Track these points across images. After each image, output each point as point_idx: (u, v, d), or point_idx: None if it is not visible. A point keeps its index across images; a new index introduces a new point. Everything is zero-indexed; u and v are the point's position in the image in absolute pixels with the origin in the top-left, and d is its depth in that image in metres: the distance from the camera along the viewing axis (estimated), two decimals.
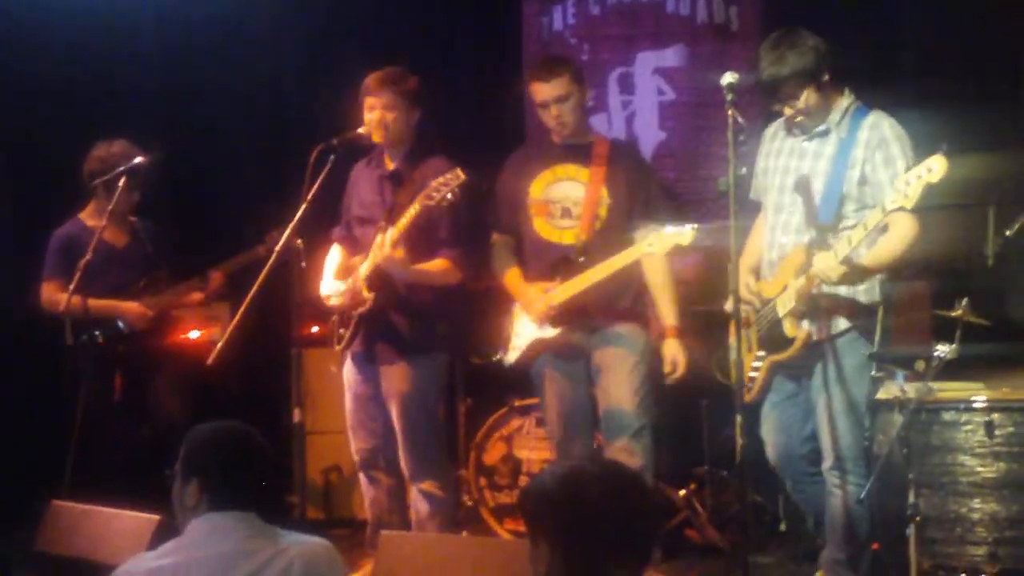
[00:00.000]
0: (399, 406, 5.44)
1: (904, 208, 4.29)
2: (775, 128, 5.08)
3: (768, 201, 5.01)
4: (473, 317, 6.12)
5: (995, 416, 4.78)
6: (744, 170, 4.70)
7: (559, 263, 5.44)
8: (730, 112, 4.54)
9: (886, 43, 7.08)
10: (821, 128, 4.85)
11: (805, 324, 4.79)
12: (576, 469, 2.77)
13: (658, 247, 5.10)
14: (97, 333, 6.15)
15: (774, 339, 4.87)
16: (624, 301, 5.48)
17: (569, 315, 5.40)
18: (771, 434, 5.04)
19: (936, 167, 4.19)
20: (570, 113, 5.46)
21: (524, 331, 5.53)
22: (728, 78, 4.54)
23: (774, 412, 5.03)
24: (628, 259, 5.23)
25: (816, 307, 4.77)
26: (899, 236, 4.61)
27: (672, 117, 7.85)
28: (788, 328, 4.79)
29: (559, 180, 5.55)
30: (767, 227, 5.01)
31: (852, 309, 4.78)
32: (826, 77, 4.73)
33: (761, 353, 4.94)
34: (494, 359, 5.78)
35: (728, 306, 4.68)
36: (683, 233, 5.02)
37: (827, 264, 4.55)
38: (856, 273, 4.63)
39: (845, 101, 4.85)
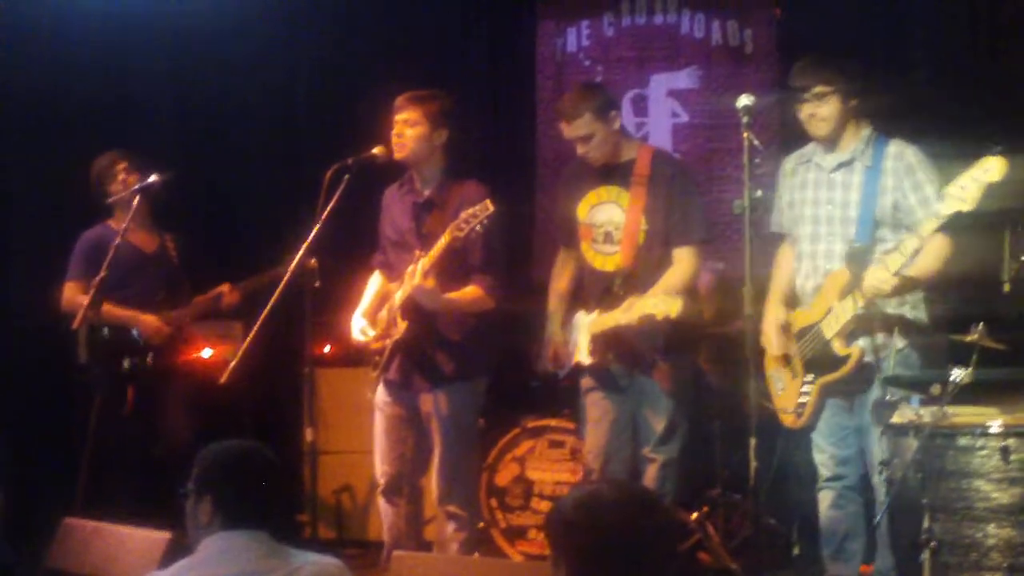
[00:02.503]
0: (438, 429, 5.46)
1: (962, 211, 4.35)
2: (793, 163, 5.19)
3: (801, 232, 5.11)
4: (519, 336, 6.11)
5: (1011, 441, 4.74)
6: (760, 192, 4.73)
7: (603, 292, 5.48)
8: (745, 135, 4.57)
9: (900, 67, 7.07)
10: (846, 157, 4.97)
11: (857, 342, 4.87)
12: (594, 493, 2.77)
13: (662, 310, 5.09)
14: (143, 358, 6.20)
15: (824, 361, 4.94)
16: (664, 335, 5.44)
17: (606, 346, 5.43)
18: (826, 448, 5.10)
19: (993, 167, 4.29)
20: (596, 149, 5.44)
21: (575, 347, 5.55)
22: (744, 100, 4.58)
23: (827, 427, 5.09)
24: (633, 317, 5.18)
25: (866, 325, 4.85)
26: (936, 250, 4.75)
27: (686, 139, 7.85)
28: (838, 348, 4.87)
29: (601, 203, 5.54)
30: (803, 256, 5.10)
31: (903, 327, 4.87)
32: (853, 100, 4.89)
33: (809, 377, 4.99)
34: (550, 373, 5.75)
35: (764, 341, 4.75)
36: (672, 304, 5.03)
37: (880, 277, 4.67)
38: (907, 285, 4.75)
39: (865, 131, 4.97)
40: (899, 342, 4.87)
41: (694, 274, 5.48)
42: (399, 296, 5.37)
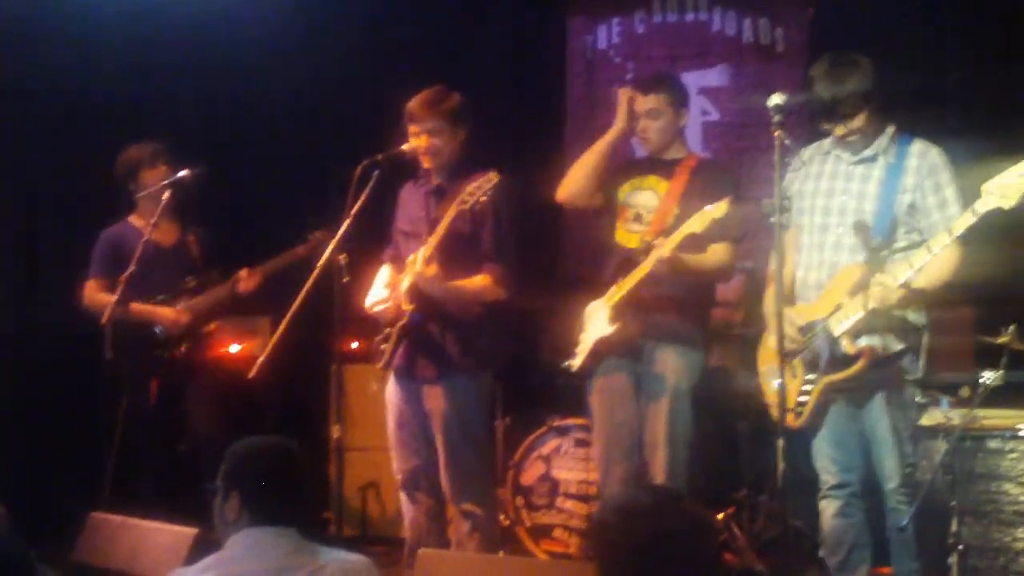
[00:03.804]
0: (440, 425, 5.41)
1: (1002, 208, 4.26)
2: (811, 152, 5.08)
3: (808, 222, 4.99)
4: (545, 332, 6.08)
5: None
6: (791, 192, 4.71)
7: (623, 263, 5.42)
8: (777, 133, 4.53)
9: (932, 67, 7.03)
10: (869, 153, 4.88)
11: (866, 340, 4.75)
12: (631, 500, 2.81)
13: (698, 226, 5.05)
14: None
15: (831, 359, 4.80)
16: (686, 315, 5.42)
17: (627, 310, 5.38)
18: (828, 454, 4.99)
19: None
20: (657, 131, 5.51)
21: (588, 334, 5.50)
22: (775, 99, 4.54)
23: (831, 433, 4.98)
24: (675, 241, 5.13)
25: (875, 325, 4.74)
26: (945, 260, 4.59)
27: (716, 137, 7.83)
28: (847, 346, 4.74)
29: (642, 188, 5.55)
30: (809, 247, 4.98)
31: (905, 329, 4.78)
32: (878, 103, 4.79)
33: (811, 376, 4.86)
34: (563, 366, 5.70)
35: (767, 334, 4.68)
36: (717, 207, 4.99)
37: (887, 287, 4.57)
38: (913, 296, 4.63)
39: (890, 128, 4.89)
40: (897, 344, 4.77)
41: (724, 269, 5.45)
42: (405, 282, 5.33)
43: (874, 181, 4.85)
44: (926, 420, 4.85)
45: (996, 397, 4.73)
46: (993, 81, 6.84)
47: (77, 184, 7.18)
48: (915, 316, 4.79)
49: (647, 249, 5.29)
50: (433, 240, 5.19)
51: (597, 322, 5.45)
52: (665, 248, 5.12)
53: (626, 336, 5.41)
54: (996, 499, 4.75)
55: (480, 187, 5.09)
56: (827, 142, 4.96)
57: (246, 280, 6.52)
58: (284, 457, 3.39)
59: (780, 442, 4.41)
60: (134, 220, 6.49)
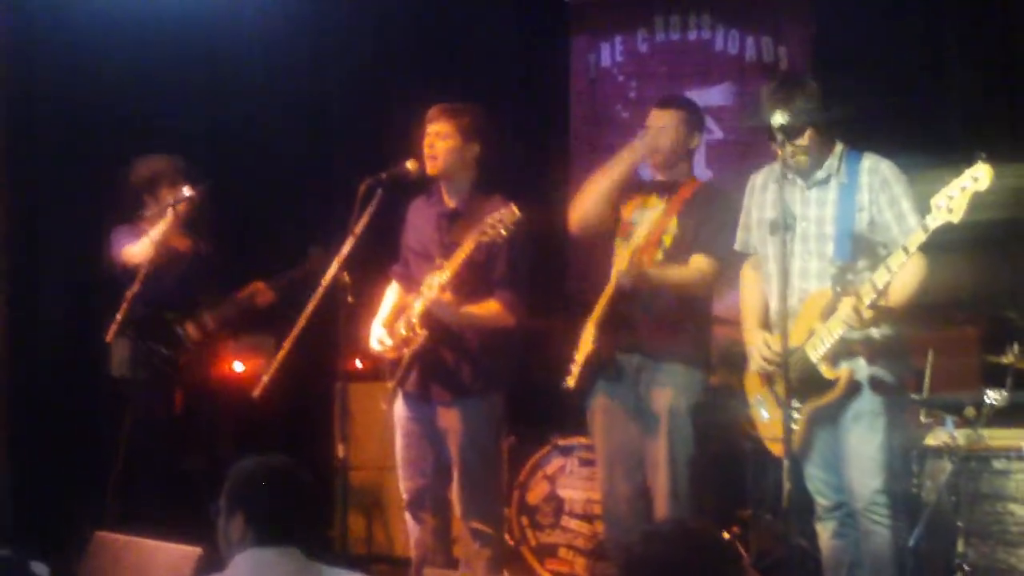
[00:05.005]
0: (455, 445, 5.42)
1: (951, 222, 4.23)
2: (764, 178, 5.04)
3: (772, 251, 4.90)
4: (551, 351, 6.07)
5: None
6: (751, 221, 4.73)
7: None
8: (779, 152, 4.53)
9: (933, 86, 7.04)
10: (821, 175, 4.84)
11: (844, 364, 4.71)
12: (655, 529, 2.91)
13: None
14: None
15: (811, 385, 4.75)
16: (680, 333, 5.38)
17: (608, 327, 5.36)
18: (820, 477, 4.96)
19: (981, 175, 4.17)
20: (665, 148, 5.44)
21: (579, 353, 5.46)
22: (779, 119, 4.54)
23: (821, 457, 4.94)
24: (626, 257, 5.17)
25: (849, 348, 4.70)
26: (910, 274, 4.56)
27: (719, 156, 7.82)
28: (826, 371, 4.71)
29: (645, 207, 5.51)
30: (774, 276, 4.85)
31: (880, 350, 4.71)
32: (823, 123, 4.75)
33: (796, 404, 4.76)
34: (561, 386, 5.68)
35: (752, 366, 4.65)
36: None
37: (856, 309, 4.52)
38: (882, 315, 4.58)
39: (838, 147, 4.85)
40: (872, 364, 4.71)
41: (701, 280, 5.34)
42: (418, 307, 5.34)
43: (830, 204, 4.81)
44: (931, 440, 4.86)
45: (1001, 417, 4.74)
46: (995, 97, 6.84)
47: (83, 201, 7.18)
48: (891, 335, 4.73)
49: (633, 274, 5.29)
50: (450, 268, 5.19)
51: (585, 341, 5.46)
52: (623, 262, 5.11)
53: (609, 354, 5.40)
54: (1002, 519, 4.75)
55: (501, 221, 5.06)
56: (778, 166, 4.77)
57: (263, 293, 6.53)
58: (288, 476, 3.38)
59: (786, 463, 4.41)
60: (147, 226, 6.47)
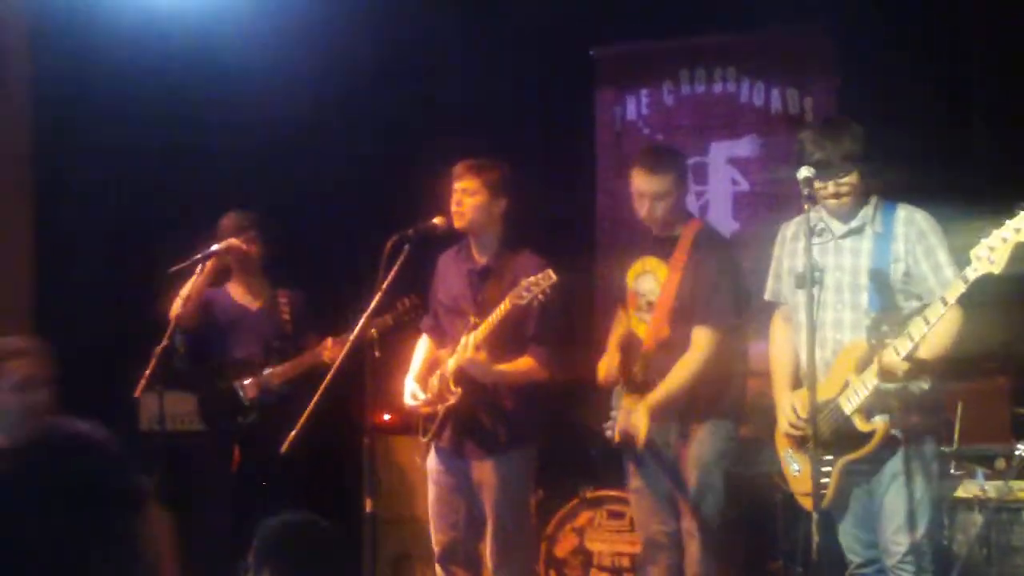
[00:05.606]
0: (489, 499, 5.46)
1: (992, 273, 4.19)
2: (795, 228, 4.99)
3: (801, 301, 4.80)
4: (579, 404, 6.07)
5: None
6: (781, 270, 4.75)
7: (634, 354, 5.42)
8: (807, 207, 4.53)
9: (958, 140, 7.03)
10: (855, 224, 4.81)
11: (878, 417, 4.67)
12: None
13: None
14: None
15: (845, 438, 4.71)
16: (708, 398, 5.37)
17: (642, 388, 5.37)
18: (853, 533, 4.91)
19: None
20: (665, 210, 5.36)
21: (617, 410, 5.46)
22: (804, 172, 4.53)
23: (854, 513, 4.90)
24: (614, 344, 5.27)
25: (883, 400, 4.66)
26: (946, 328, 4.51)
27: (745, 207, 7.83)
28: (860, 424, 4.66)
29: (646, 272, 5.50)
30: (805, 337, 4.75)
31: (915, 402, 4.68)
32: (868, 167, 4.72)
33: (829, 457, 4.71)
34: (606, 434, 5.64)
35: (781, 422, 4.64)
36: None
37: (891, 362, 4.49)
38: (918, 368, 4.55)
39: (873, 198, 4.81)
40: (912, 418, 4.66)
41: (707, 359, 5.29)
42: (451, 364, 5.37)
43: (864, 254, 4.78)
44: (961, 492, 4.83)
45: None
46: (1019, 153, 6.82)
47: (113, 244, 7.21)
48: (931, 388, 4.69)
49: (646, 367, 5.36)
50: (485, 329, 5.24)
51: (618, 394, 5.45)
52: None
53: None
54: None
55: (538, 284, 5.08)
56: (813, 215, 4.75)
57: (332, 349, 6.36)
58: (315, 533, 3.40)
59: (815, 516, 4.38)
60: (230, 287, 6.53)
